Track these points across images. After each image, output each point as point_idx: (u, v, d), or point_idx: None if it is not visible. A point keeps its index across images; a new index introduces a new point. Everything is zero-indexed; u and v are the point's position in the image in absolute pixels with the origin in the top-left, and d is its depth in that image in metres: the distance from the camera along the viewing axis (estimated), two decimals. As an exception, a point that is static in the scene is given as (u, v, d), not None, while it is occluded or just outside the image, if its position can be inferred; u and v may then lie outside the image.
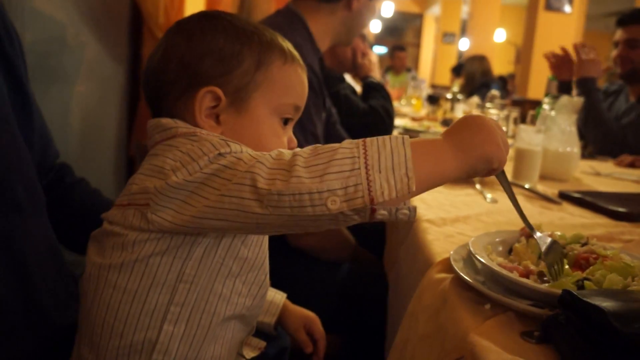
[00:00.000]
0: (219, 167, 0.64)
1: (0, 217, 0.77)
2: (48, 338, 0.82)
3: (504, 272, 0.71)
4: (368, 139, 0.62)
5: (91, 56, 2.43)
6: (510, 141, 2.39)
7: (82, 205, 0.93)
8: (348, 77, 3.94)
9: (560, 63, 2.62)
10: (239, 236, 0.74)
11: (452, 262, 0.78)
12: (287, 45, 0.83)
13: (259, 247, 0.78)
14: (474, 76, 5.50)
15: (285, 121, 0.83)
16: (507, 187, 0.77)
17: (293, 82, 0.82)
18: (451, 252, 0.82)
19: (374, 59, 4.12)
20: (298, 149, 0.64)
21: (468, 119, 0.68)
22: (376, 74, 3.92)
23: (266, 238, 0.81)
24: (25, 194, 0.83)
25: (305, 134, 1.49)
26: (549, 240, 0.78)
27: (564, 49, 2.67)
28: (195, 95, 0.76)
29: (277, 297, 1.06)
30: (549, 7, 7.00)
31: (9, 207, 0.79)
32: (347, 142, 0.62)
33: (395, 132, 2.67)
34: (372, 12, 1.74)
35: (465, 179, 0.68)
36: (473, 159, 0.66)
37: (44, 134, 0.99)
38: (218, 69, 0.77)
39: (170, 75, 0.78)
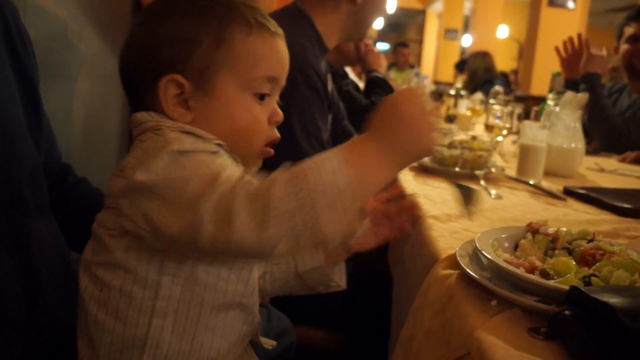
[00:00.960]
0: (168, 178, 0.64)
1: (8, 215, 0.77)
2: (53, 334, 0.83)
3: (511, 268, 0.71)
4: (310, 176, 0.60)
5: (93, 52, 2.42)
6: (514, 137, 2.37)
7: (84, 204, 0.93)
8: (351, 74, 3.94)
9: (570, 59, 2.59)
10: None
11: (458, 258, 0.78)
12: (253, 13, 0.78)
13: None
14: (477, 72, 5.49)
15: (262, 97, 0.78)
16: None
17: (261, 53, 0.77)
18: (457, 248, 0.82)
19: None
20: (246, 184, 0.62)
21: (390, 111, 0.66)
22: (382, 68, 3.92)
23: None
24: (33, 194, 0.84)
25: (309, 139, 1.47)
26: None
27: (573, 42, 2.60)
28: (158, 85, 0.74)
29: None
30: (552, 2, 6.97)
31: (17, 206, 0.80)
32: (283, 174, 0.61)
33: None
34: (379, 4, 1.69)
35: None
36: (405, 159, 0.66)
37: (49, 136, 1.00)
38: (177, 54, 0.74)
39: (136, 67, 0.77)
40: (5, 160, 0.78)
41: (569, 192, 1.40)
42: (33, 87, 0.91)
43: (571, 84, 2.48)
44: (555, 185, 1.49)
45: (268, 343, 0.90)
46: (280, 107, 1.49)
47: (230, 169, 0.65)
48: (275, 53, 0.79)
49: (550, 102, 1.76)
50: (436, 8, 13.61)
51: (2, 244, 0.77)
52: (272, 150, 0.82)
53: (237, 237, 0.59)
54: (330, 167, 0.60)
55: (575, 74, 2.53)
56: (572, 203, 1.33)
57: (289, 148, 1.44)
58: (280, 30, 0.81)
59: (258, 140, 0.80)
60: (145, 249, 0.69)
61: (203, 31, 0.75)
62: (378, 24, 10.93)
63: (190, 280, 0.72)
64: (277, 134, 0.82)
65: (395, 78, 6.92)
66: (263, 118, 0.79)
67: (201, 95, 0.75)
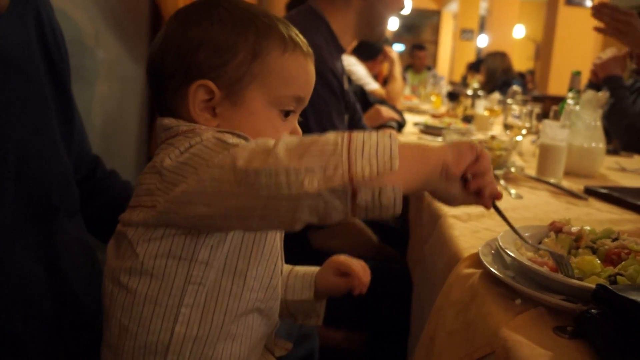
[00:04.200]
0: (200, 148, 0.65)
1: (38, 223, 0.78)
2: (82, 339, 0.83)
3: (535, 266, 0.70)
4: (354, 132, 0.61)
5: (111, 56, 2.45)
6: (533, 137, 2.35)
7: (113, 197, 0.93)
8: (368, 77, 3.94)
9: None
10: (241, 233, 0.73)
11: (481, 257, 0.77)
12: (289, 31, 0.79)
13: (263, 242, 0.76)
14: (496, 73, 5.43)
15: (287, 113, 0.79)
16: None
17: (293, 73, 0.78)
18: (480, 247, 0.81)
19: (394, 56, 4.10)
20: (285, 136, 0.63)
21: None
22: (397, 73, 3.90)
23: (274, 233, 0.79)
24: (61, 197, 0.84)
25: None
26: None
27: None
28: (189, 89, 0.74)
29: (309, 269, 0.97)
30: (570, 1, 6.91)
31: (46, 210, 0.80)
32: (333, 133, 0.61)
33: (415, 129, 2.65)
34: (390, 1, 1.66)
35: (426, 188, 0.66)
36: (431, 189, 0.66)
37: (81, 133, 1.00)
38: (212, 61, 0.74)
39: (168, 67, 0.76)
40: (37, 171, 0.79)
41: (591, 192, 1.39)
42: (65, 88, 0.92)
43: (594, 86, 2.45)
44: (576, 185, 1.48)
45: (285, 345, 0.90)
46: None
47: None
48: (305, 74, 0.80)
49: (570, 101, 1.74)
50: (451, 8, 13.56)
51: (32, 251, 0.77)
52: None
53: (272, 160, 0.59)
54: (381, 133, 0.61)
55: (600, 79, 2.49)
56: (594, 202, 1.31)
57: None
58: (311, 51, 0.81)
59: None
60: (172, 256, 0.70)
61: (240, 42, 0.75)
62: (393, 25, 10.91)
63: (215, 289, 0.72)
64: None
65: (411, 79, 6.90)
66: (282, 132, 0.79)
67: (229, 105, 0.75)
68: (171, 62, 0.76)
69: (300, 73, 0.79)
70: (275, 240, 0.79)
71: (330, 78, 1.48)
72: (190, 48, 0.75)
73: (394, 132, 0.59)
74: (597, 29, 2.18)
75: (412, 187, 0.62)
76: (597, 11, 2.14)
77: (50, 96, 0.85)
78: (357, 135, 0.60)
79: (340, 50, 1.62)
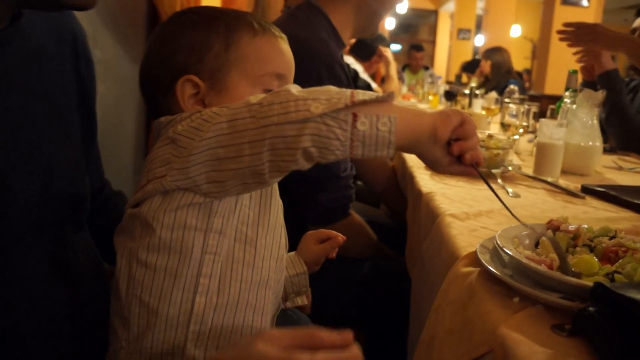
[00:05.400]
0: (209, 114, 0.71)
1: (49, 239, 0.78)
2: (88, 342, 0.84)
3: (533, 264, 0.70)
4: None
5: (109, 56, 2.45)
6: (530, 136, 2.35)
7: (119, 215, 0.95)
8: (363, 74, 3.94)
9: (590, 66, 2.52)
10: (247, 204, 0.77)
11: (479, 256, 0.78)
12: (258, 20, 0.85)
13: (268, 214, 0.79)
14: (501, 68, 5.38)
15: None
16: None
17: (267, 52, 0.84)
18: (477, 246, 0.82)
19: (389, 55, 4.11)
20: None
21: None
22: (393, 72, 3.90)
23: (276, 207, 0.82)
24: (76, 217, 0.86)
25: None
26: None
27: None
28: (176, 87, 0.81)
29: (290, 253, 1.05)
30: (566, 1, 6.93)
31: (59, 229, 0.81)
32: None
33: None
34: None
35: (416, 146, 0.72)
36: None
37: (97, 158, 1.03)
38: (191, 59, 0.81)
39: (154, 76, 0.84)
40: (61, 183, 0.80)
41: (587, 190, 1.39)
42: (91, 108, 0.94)
43: (589, 85, 2.44)
44: (573, 184, 1.48)
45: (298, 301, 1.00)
46: None
47: None
48: (279, 52, 0.85)
49: (567, 100, 1.75)
50: (448, 8, 13.57)
51: (44, 265, 0.78)
52: None
53: (284, 93, 0.66)
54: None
55: (593, 77, 2.48)
56: (591, 201, 1.32)
57: None
58: (283, 35, 0.87)
59: None
60: (188, 227, 0.72)
61: (213, 36, 0.82)
62: (390, 24, 10.91)
63: (229, 259, 0.75)
64: None
65: (408, 79, 6.91)
66: None
67: (215, 94, 0.81)
68: (156, 70, 0.84)
69: (274, 51, 0.85)
70: (278, 213, 0.83)
71: (338, 71, 1.48)
72: (170, 53, 0.82)
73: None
74: (570, 46, 2.25)
75: (405, 140, 0.68)
76: (561, 33, 2.23)
77: (77, 112, 0.88)
78: (360, 91, 0.66)
79: (341, 45, 1.61)
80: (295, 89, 0.67)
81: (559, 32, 2.24)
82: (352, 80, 2.50)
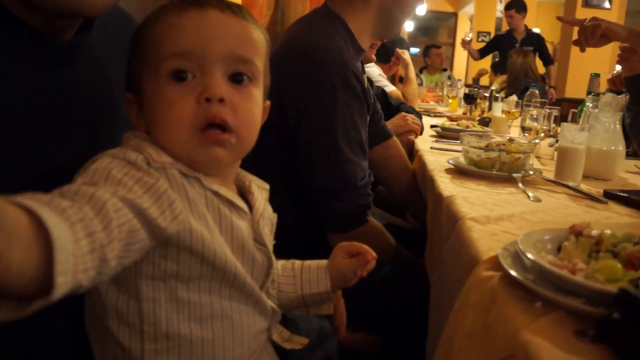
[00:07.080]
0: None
1: None
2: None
3: (556, 269, 0.70)
4: None
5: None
6: (551, 140, 2.32)
7: None
8: (383, 79, 3.94)
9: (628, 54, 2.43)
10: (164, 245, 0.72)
11: (501, 259, 0.77)
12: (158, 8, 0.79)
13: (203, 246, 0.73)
14: (518, 73, 5.33)
15: (180, 77, 0.73)
16: None
17: (160, 34, 0.75)
18: (499, 250, 0.81)
19: (407, 58, 4.10)
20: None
21: None
22: (412, 75, 3.88)
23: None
24: None
25: (350, 143, 1.47)
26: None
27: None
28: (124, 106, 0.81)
29: (321, 262, 1.01)
30: (588, 3, 6.85)
31: None
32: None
33: (432, 132, 2.64)
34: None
35: None
36: None
37: None
38: (127, 76, 0.81)
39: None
40: None
41: (610, 195, 1.38)
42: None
43: (614, 92, 2.40)
44: (595, 189, 1.47)
45: (298, 341, 0.92)
46: (321, 112, 1.48)
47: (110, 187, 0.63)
48: (181, 27, 0.74)
49: (589, 104, 1.73)
50: (468, 11, 13.48)
51: None
52: (220, 132, 0.74)
53: None
54: None
55: (618, 86, 2.44)
56: (613, 206, 1.30)
57: (330, 153, 1.44)
58: (214, 3, 0.76)
59: (177, 125, 0.73)
60: (114, 283, 0.73)
61: (133, 45, 0.80)
62: (408, 27, 10.87)
63: (172, 301, 0.73)
64: (216, 110, 0.73)
65: (426, 81, 6.87)
66: (179, 99, 0.73)
67: (140, 102, 0.78)
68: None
69: (172, 29, 0.74)
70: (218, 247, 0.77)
71: (352, 81, 1.47)
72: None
73: None
74: (583, 51, 2.21)
75: None
76: (575, 43, 2.23)
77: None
78: None
79: (359, 51, 1.60)
80: None
81: (574, 42, 2.21)
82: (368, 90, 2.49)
